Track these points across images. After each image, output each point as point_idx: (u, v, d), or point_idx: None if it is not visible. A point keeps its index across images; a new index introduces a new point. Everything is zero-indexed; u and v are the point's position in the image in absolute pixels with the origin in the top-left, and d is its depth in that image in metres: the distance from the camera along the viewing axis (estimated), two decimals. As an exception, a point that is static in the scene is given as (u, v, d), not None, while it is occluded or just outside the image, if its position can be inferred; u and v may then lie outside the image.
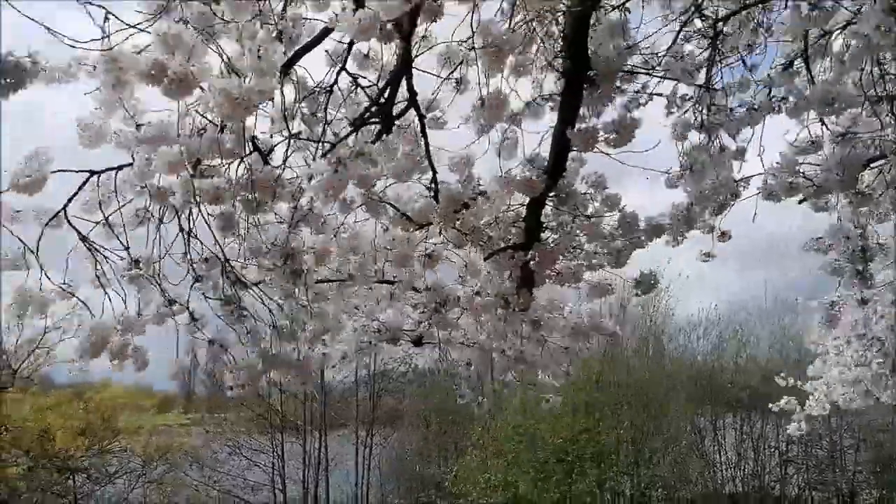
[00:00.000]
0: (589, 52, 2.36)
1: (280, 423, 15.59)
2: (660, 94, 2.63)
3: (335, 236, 3.14)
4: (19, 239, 2.39)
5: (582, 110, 2.50)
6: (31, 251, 2.41)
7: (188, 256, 2.56)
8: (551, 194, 2.72)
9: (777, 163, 2.84)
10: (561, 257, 2.95)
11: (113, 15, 2.07)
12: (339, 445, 16.74)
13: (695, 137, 2.89)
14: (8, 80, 1.86)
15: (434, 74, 2.63)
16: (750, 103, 2.76)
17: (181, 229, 2.53)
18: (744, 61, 2.97)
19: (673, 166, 2.94)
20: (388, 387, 17.80)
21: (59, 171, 2.26)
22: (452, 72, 2.59)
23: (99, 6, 2.05)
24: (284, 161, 2.54)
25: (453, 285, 3.38)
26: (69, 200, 2.37)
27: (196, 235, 2.59)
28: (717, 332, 17.28)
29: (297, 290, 2.75)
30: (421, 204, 2.98)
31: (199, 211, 2.60)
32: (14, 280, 2.50)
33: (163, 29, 1.99)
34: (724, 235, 3.25)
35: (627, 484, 13.48)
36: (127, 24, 2.10)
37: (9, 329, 10.48)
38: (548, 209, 2.84)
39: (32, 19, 1.94)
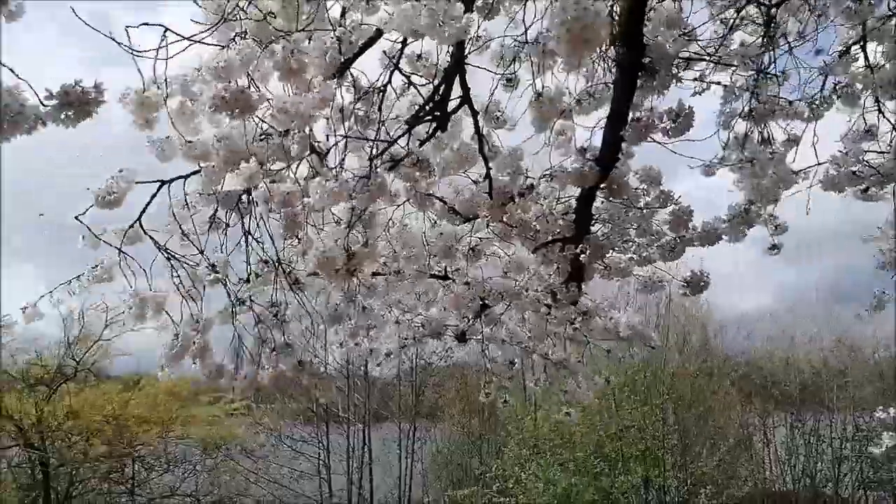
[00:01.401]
0: (644, 39, 2.31)
1: (325, 415, 15.84)
2: (718, 83, 2.54)
3: (386, 230, 3.17)
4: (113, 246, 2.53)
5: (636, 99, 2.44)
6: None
7: (248, 259, 2.63)
8: (602, 186, 2.67)
9: (841, 151, 2.73)
10: (612, 251, 2.91)
11: (171, 31, 2.16)
12: (382, 438, 16.91)
13: (741, 126, 2.82)
14: (72, 112, 1.92)
15: (487, 69, 2.62)
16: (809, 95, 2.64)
17: (245, 233, 2.61)
18: (790, 46, 2.87)
19: (716, 154, 2.86)
20: (430, 381, 17.89)
21: (137, 182, 2.41)
22: (508, 67, 2.56)
23: (158, 25, 2.14)
24: (341, 163, 2.57)
25: (499, 280, 3.37)
26: (143, 210, 2.50)
27: (257, 238, 2.67)
28: (767, 326, 16.82)
29: (353, 287, 2.78)
30: (468, 197, 2.98)
31: (261, 215, 2.71)
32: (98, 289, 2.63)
33: (214, 61, 2.10)
34: (779, 228, 3.14)
35: (674, 481, 13.25)
36: (187, 38, 2.20)
37: (68, 324, 10.95)
38: (599, 201, 2.80)
39: (103, 33, 2.01)
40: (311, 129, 2.59)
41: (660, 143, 2.51)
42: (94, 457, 10.28)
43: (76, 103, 1.93)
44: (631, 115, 2.46)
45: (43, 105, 1.90)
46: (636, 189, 2.81)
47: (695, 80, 2.63)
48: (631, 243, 2.97)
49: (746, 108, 2.56)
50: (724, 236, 2.84)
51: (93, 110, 1.98)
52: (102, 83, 2.00)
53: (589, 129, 2.56)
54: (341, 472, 15.69)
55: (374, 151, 2.64)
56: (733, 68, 2.45)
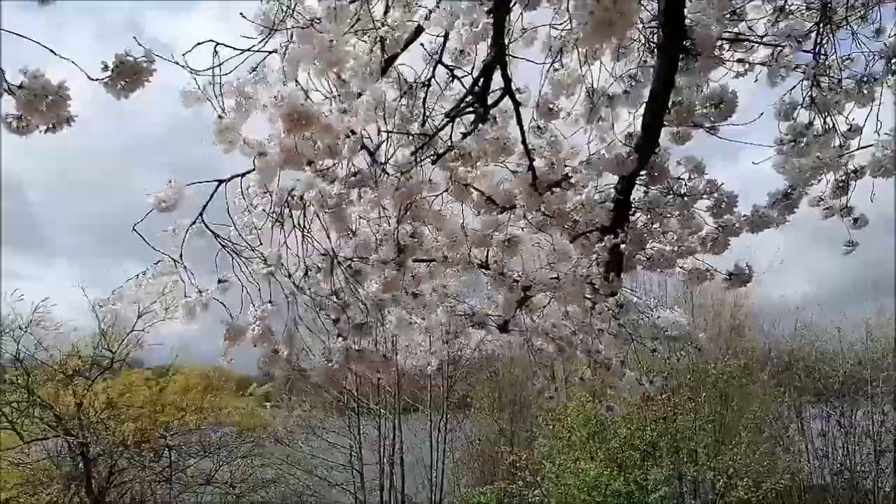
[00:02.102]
0: (686, 21, 2.24)
1: (356, 406, 15.97)
2: (763, 64, 2.45)
3: (425, 222, 3.17)
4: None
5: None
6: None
7: (302, 252, 2.71)
8: (642, 173, 2.61)
9: (889, 134, 2.62)
10: (652, 240, 2.84)
11: (223, 44, 2.29)
12: (413, 429, 17.00)
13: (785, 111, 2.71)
14: (126, 81, 1.95)
15: (529, 60, 2.59)
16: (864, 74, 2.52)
17: (298, 227, 2.65)
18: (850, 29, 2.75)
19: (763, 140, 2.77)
20: (460, 373, 17.91)
21: (194, 182, 2.52)
22: (554, 61, 2.52)
23: (210, 41, 2.27)
24: (387, 159, 2.58)
25: (540, 270, 3.34)
26: (204, 207, 2.61)
27: (310, 233, 2.71)
28: (804, 316, 16.45)
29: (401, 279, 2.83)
30: (505, 187, 2.96)
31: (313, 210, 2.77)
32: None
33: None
34: (859, 222, 2.99)
35: (708, 473, 13.07)
36: (238, 49, 2.31)
37: (102, 317, 11.20)
38: (640, 190, 2.74)
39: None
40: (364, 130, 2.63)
41: (702, 128, 2.45)
42: (131, 445, 10.53)
43: (130, 73, 1.98)
44: (671, 99, 2.39)
45: (91, 79, 1.95)
46: (678, 177, 2.74)
47: (738, 61, 2.54)
48: (672, 234, 2.90)
49: (807, 96, 2.45)
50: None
51: (145, 79, 2.03)
52: (152, 51, 2.04)
53: (630, 114, 2.49)
54: (373, 463, 15.82)
55: (417, 145, 2.64)
56: (780, 49, 2.35)
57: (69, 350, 11.07)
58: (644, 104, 2.45)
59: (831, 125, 2.49)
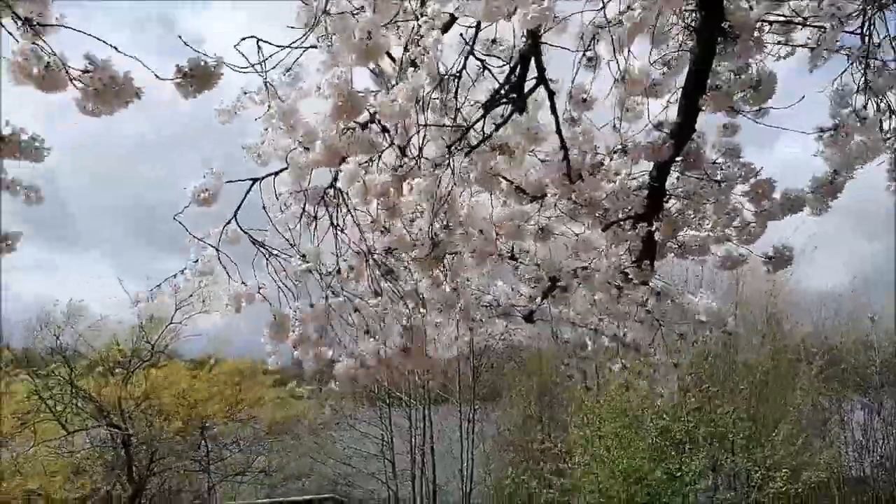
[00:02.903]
0: (724, 3, 2.18)
1: (387, 397, 16.11)
2: (804, 45, 2.38)
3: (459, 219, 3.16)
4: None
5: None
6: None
7: (337, 250, 2.70)
8: (677, 159, 2.56)
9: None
10: (687, 228, 2.80)
11: (266, 41, 2.36)
12: (443, 419, 17.08)
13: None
14: (196, 83, 2.05)
15: (563, 48, 2.55)
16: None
17: (333, 225, 2.68)
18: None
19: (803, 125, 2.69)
20: (488, 363, 17.93)
21: (229, 181, 2.58)
22: (586, 49, 2.48)
23: (252, 36, 2.34)
24: (420, 152, 2.58)
25: (567, 260, 3.31)
26: (239, 206, 2.67)
27: (344, 230, 2.74)
28: (844, 305, 16.04)
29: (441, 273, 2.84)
30: (535, 176, 2.93)
31: (348, 208, 2.83)
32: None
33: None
34: None
35: (744, 464, 12.87)
36: (279, 46, 2.38)
37: (140, 309, 11.44)
38: (674, 176, 2.69)
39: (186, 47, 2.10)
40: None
41: (739, 112, 2.39)
42: (170, 435, 10.79)
43: (201, 76, 2.07)
44: (709, 83, 2.34)
45: (159, 79, 2.03)
46: (713, 162, 2.69)
47: (778, 43, 2.46)
48: (707, 220, 2.84)
49: (860, 80, 2.35)
50: (806, 207, 2.70)
51: (214, 82, 2.12)
52: (222, 57, 2.15)
53: (664, 100, 2.44)
54: (404, 453, 15.96)
55: (451, 138, 2.63)
56: (823, 31, 2.28)
57: (109, 343, 11.37)
58: (680, 90, 2.40)
59: (886, 108, 2.41)
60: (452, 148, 2.68)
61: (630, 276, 2.97)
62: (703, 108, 2.35)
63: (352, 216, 2.87)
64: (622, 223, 2.83)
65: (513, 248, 3.53)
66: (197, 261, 2.76)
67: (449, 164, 2.67)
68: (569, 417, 14.59)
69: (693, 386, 12.95)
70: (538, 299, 3.66)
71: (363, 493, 13.70)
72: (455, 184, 2.74)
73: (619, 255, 2.98)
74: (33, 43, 1.87)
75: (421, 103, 2.62)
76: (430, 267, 2.94)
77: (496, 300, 3.81)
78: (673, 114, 2.46)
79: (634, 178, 2.74)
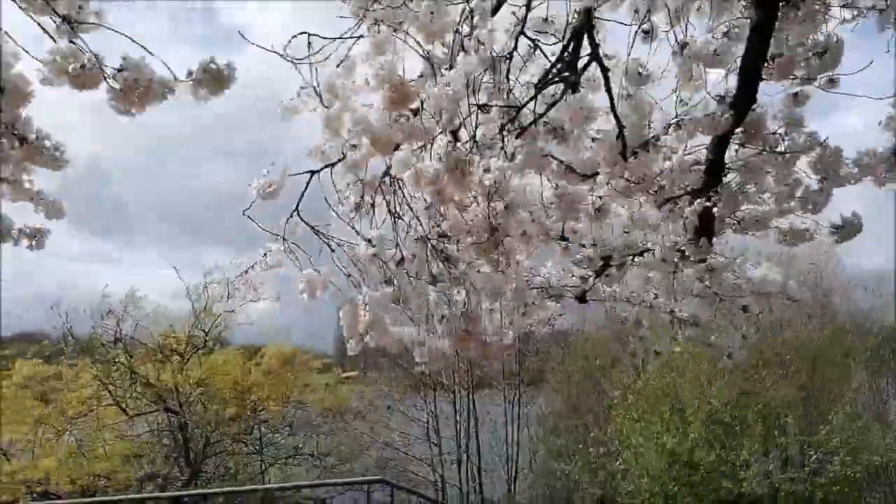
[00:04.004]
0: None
1: (431, 382, 16.25)
2: (873, 8, 2.27)
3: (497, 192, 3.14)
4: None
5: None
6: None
7: (396, 237, 2.75)
8: (737, 131, 2.48)
9: None
10: (747, 202, 2.72)
11: (317, 35, 2.40)
12: (487, 404, 17.15)
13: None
14: (208, 86, 2.06)
15: (619, 23, 2.50)
16: None
17: (390, 212, 2.70)
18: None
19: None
20: (532, 347, 17.88)
21: (293, 174, 2.63)
22: (642, 22, 2.43)
23: (304, 33, 2.39)
24: (473, 136, 2.56)
25: (620, 238, 3.27)
26: (300, 198, 2.72)
27: (402, 217, 2.78)
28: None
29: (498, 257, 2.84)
30: (587, 155, 2.89)
31: (404, 196, 2.86)
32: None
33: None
34: None
35: (797, 449, 12.56)
36: (332, 38, 2.41)
37: (194, 298, 11.81)
38: (732, 149, 2.61)
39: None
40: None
41: (804, 80, 2.30)
42: (224, 419, 11.12)
43: (212, 79, 2.06)
44: (770, 51, 2.26)
45: (177, 79, 2.04)
46: (774, 133, 2.60)
47: (844, 6, 2.36)
48: (769, 193, 2.76)
49: None
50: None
51: (226, 86, 2.11)
52: (233, 62, 2.13)
53: (724, 71, 2.36)
54: (449, 437, 16.10)
55: (504, 120, 2.61)
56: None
57: (166, 332, 11.77)
58: (739, 59, 2.33)
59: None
60: (504, 130, 2.66)
61: (687, 254, 2.91)
62: (766, 77, 2.27)
63: (408, 204, 2.89)
64: (678, 200, 2.78)
65: (563, 228, 3.50)
66: (266, 254, 2.83)
67: (501, 146, 2.65)
68: (616, 401, 14.47)
69: (744, 365, 12.68)
70: (591, 279, 3.63)
71: (410, 477, 13.89)
72: (506, 166, 2.73)
73: (675, 233, 2.93)
74: (70, 41, 1.91)
75: (472, 87, 2.61)
76: (489, 252, 2.93)
77: (547, 282, 3.79)
78: (731, 85, 2.39)
79: (691, 153, 2.68)
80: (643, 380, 13.20)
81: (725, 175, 2.68)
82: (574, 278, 3.72)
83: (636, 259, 3.28)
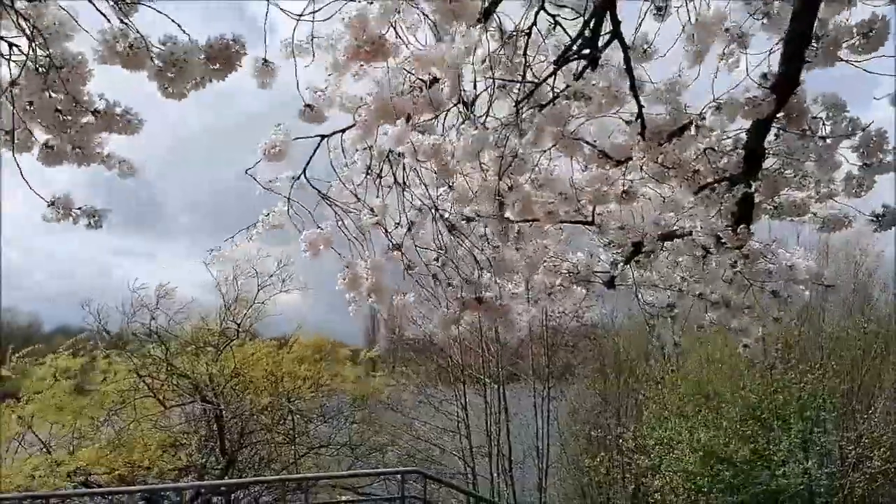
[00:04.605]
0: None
1: (461, 374, 16.28)
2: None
3: (531, 177, 3.12)
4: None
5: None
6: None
7: (402, 206, 2.70)
8: (778, 115, 2.42)
9: None
10: (788, 188, 2.66)
11: None
12: (517, 397, 17.11)
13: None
14: (220, 66, 2.04)
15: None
16: None
17: (396, 182, 2.67)
18: None
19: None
20: (560, 341, 17.78)
21: (297, 138, 2.55)
22: None
23: None
24: (488, 110, 2.54)
25: (652, 224, 3.23)
26: (307, 163, 2.64)
27: (409, 187, 2.73)
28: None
29: (507, 232, 2.79)
30: (620, 139, 2.85)
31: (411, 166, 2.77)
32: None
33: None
34: None
35: (836, 443, 12.29)
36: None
37: (224, 290, 12.01)
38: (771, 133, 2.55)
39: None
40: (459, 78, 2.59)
41: (848, 62, 2.23)
42: (258, 409, 11.31)
43: (222, 57, 2.04)
44: (814, 32, 2.19)
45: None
46: (815, 117, 2.53)
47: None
48: (809, 178, 2.69)
49: None
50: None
51: (237, 63, 2.09)
52: (241, 35, 2.10)
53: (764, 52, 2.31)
54: (480, 430, 16.11)
55: (521, 95, 2.58)
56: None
57: (199, 324, 12.01)
58: (781, 40, 2.27)
59: None
60: (520, 107, 2.62)
61: (723, 240, 2.86)
62: (809, 59, 2.21)
63: (416, 172, 2.81)
64: (715, 185, 2.72)
65: (593, 212, 3.46)
66: (269, 214, 2.76)
67: (517, 123, 2.60)
68: (646, 394, 14.32)
69: (780, 361, 12.45)
70: (620, 265, 3.59)
71: (440, 469, 13.95)
72: (515, 142, 2.67)
73: (712, 219, 2.88)
74: (121, 21, 1.95)
75: (488, 62, 2.57)
76: (501, 226, 2.87)
77: (575, 267, 3.75)
78: (765, 68, 2.33)
79: (729, 137, 2.63)
80: (679, 374, 13.03)
81: (765, 160, 2.63)
82: (601, 263, 3.68)
83: (666, 244, 3.25)
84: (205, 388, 11.15)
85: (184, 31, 1.98)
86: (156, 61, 1.93)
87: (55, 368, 11.02)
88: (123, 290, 11.41)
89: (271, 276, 11.30)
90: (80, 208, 2.35)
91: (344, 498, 11.01)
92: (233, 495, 11.08)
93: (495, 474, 15.73)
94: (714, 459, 11.62)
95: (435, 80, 2.54)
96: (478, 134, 2.48)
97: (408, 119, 2.54)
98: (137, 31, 1.92)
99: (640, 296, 3.82)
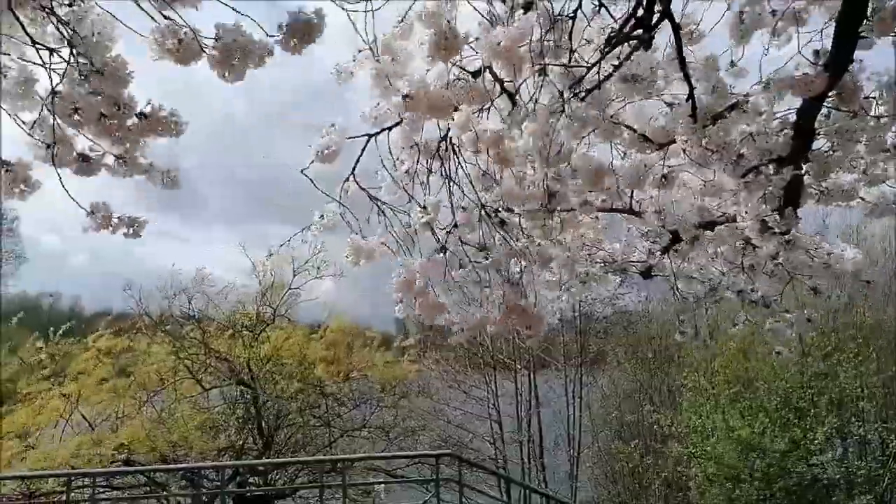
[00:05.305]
0: None
1: (492, 361, 16.31)
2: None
3: (568, 164, 3.08)
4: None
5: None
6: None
7: (451, 204, 2.72)
8: (830, 94, 2.35)
9: None
10: (838, 170, 2.58)
11: None
12: (548, 384, 17.09)
13: None
14: (299, 38, 2.07)
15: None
16: None
17: (447, 177, 2.69)
18: None
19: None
20: (594, 328, 17.67)
21: (350, 137, 2.61)
22: None
23: None
24: (532, 97, 2.52)
25: (691, 211, 3.17)
26: (356, 163, 2.72)
27: (458, 184, 2.74)
28: None
29: (550, 224, 2.78)
30: (662, 122, 2.80)
31: (459, 162, 2.80)
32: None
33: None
34: None
35: (878, 432, 12.00)
36: None
37: (261, 275, 12.21)
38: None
39: None
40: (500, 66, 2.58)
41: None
42: (292, 393, 11.51)
43: (301, 31, 2.08)
44: (870, 6, 2.11)
45: (269, 35, 2.07)
46: (867, 97, 2.45)
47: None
48: (860, 161, 2.61)
49: None
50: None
51: (315, 36, 2.12)
52: (322, 9, 2.13)
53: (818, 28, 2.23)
54: (511, 416, 16.15)
55: (568, 82, 2.55)
56: None
57: (236, 307, 12.25)
58: (836, 15, 2.19)
59: None
60: (566, 93, 2.59)
61: (770, 225, 2.79)
62: (864, 34, 2.14)
63: (463, 169, 2.84)
64: (762, 168, 2.66)
65: (631, 200, 3.41)
66: (322, 216, 2.83)
67: (563, 110, 2.58)
68: (682, 382, 14.16)
69: (817, 349, 12.18)
70: (657, 254, 3.54)
71: (471, 454, 14.04)
72: (560, 130, 2.64)
73: (757, 205, 2.81)
74: (165, 17, 1.96)
75: (532, 46, 2.54)
76: (543, 220, 2.87)
77: (611, 256, 3.71)
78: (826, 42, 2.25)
79: (777, 118, 2.55)
80: (719, 363, 12.85)
81: (815, 140, 2.55)
82: (638, 252, 3.64)
83: (707, 234, 3.18)
84: (242, 371, 11.39)
85: (251, 20, 2.00)
86: (208, 52, 1.94)
87: (98, 350, 11.35)
88: (161, 273, 11.68)
89: (306, 262, 11.46)
90: (119, 218, 2.37)
91: (378, 479, 11.16)
92: (269, 476, 11.33)
93: (526, 460, 15.78)
94: (750, 448, 11.46)
95: (483, 69, 2.53)
96: (537, 127, 2.47)
97: (455, 110, 2.54)
98: (187, 25, 1.94)
99: (676, 287, 3.76)
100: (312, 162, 2.60)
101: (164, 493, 10.74)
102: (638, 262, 3.71)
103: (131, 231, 2.41)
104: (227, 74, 1.97)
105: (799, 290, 3.32)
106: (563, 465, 16.33)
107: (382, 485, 10.72)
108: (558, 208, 2.94)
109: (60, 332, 11.42)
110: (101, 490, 9.46)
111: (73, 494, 7.68)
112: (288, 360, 11.62)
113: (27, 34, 1.89)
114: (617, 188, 3.28)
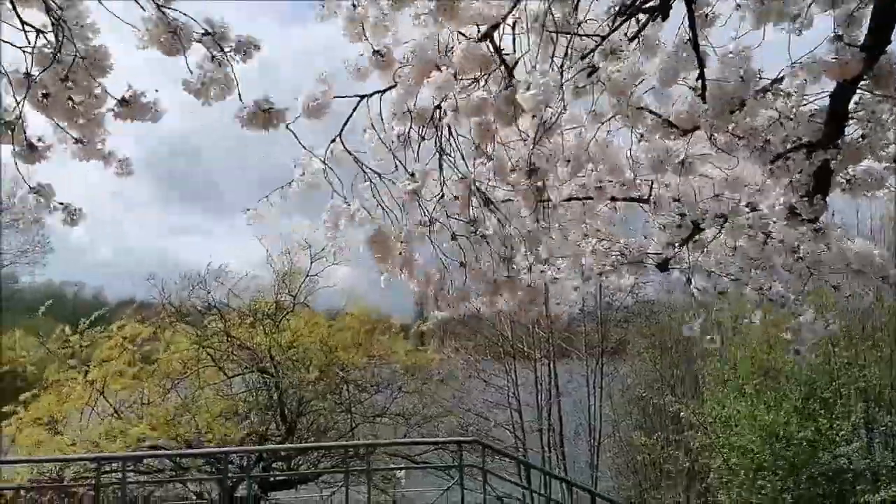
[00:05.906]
0: None
1: (511, 350, 16.29)
2: None
3: (586, 149, 3.01)
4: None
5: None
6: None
7: (441, 176, 2.64)
8: (864, 77, 2.26)
9: None
10: (871, 156, 2.49)
11: None
12: (569, 373, 17.03)
13: None
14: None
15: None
16: None
17: (439, 150, 2.61)
18: None
19: None
20: (614, 317, 17.54)
21: (337, 97, 2.47)
22: None
23: None
24: (532, 70, 2.44)
25: (710, 200, 3.09)
26: (345, 124, 2.57)
27: (450, 154, 2.66)
28: None
29: (541, 207, 2.69)
30: (685, 107, 2.72)
31: (451, 132, 2.69)
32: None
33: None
34: None
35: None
36: None
37: (277, 264, 12.31)
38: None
39: None
40: (501, 35, 2.50)
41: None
42: (313, 380, 11.60)
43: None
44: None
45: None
46: (902, 79, 2.35)
47: None
48: (891, 146, 2.51)
49: None
50: None
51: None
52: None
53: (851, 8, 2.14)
54: (531, 405, 16.14)
55: (571, 53, 2.46)
56: None
57: (255, 297, 12.37)
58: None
59: None
60: (564, 67, 2.50)
61: (797, 211, 2.71)
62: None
63: (455, 142, 2.71)
64: (791, 154, 2.57)
65: (650, 189, 3.33)
66: (304, 173, 2.67)
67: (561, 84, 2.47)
68: (704, 372, 14.01)
69: (842, 338, 11.97)
70: (675, 246, 3.45)
71: (492, 442, 14.07)
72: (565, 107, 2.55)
73: (784, 192, 2.73)
74: (159, 8, 1.97)
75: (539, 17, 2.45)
76: (533, 198, 2.75)
77: (626, 248, 3.63)
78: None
79: (806, 103, 2.47)
80: (741, 354, 12.67)
81: (847, 125, 2.46)
82: (654, 244, 3.55)
83: (726, 226, 3.09)
84: (263, 359, 11.50)
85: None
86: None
87: (123, 337, 11.53)
88: (182, 264, 11.82)
89: (322, 249, 11.50)
90: (62, 203, 2.37)
91: (400, 465, 11.23)
92: (293, 461, 11.46)
93: (546, 449, 15.77)
94: (774, 438, 11.32)
95: (484, 35, 2.45)
96: (547, 79, 2.34)
97: (455, 77, 2.44)
98: (184, 14, 1.96)
99: (693, 282, 3.67)
100: (298, 117, 2.44)
101: (190, 477, 10.92)
102: (654, 254, 3.63)
103: (69, 219, 2.40)
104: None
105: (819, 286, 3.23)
106: (584, 454, 16.29)
107: (403, 470, 10.78)
108: (544, 187, 2.80)
109: (91, 319, 11.62)
110: (129, 474, 9.63)
111: (101, 478, 7.81)
112: (309, 347, 11.70)
113: (16, 13, 1.89)
114: (634, 177, 3.22)
